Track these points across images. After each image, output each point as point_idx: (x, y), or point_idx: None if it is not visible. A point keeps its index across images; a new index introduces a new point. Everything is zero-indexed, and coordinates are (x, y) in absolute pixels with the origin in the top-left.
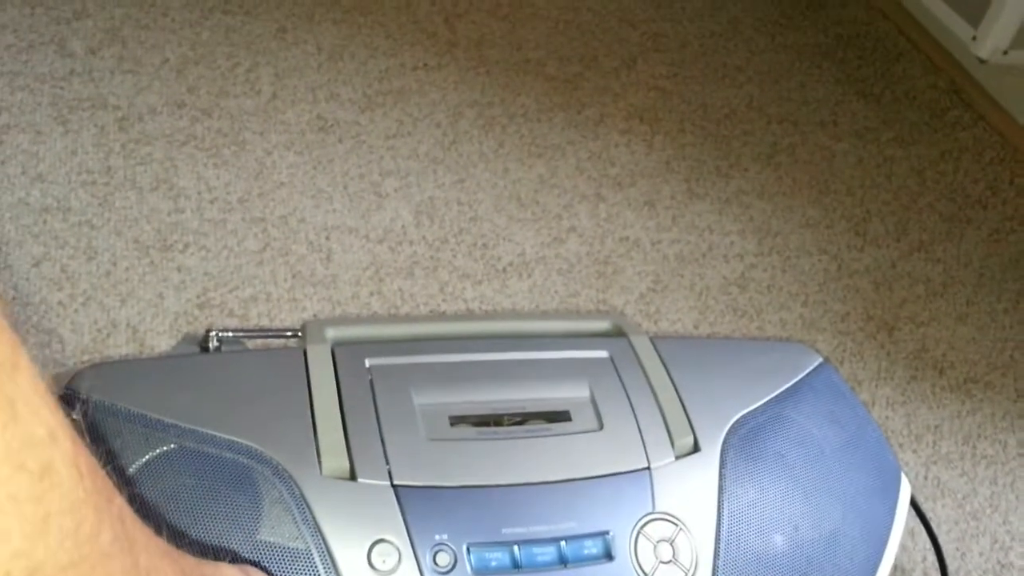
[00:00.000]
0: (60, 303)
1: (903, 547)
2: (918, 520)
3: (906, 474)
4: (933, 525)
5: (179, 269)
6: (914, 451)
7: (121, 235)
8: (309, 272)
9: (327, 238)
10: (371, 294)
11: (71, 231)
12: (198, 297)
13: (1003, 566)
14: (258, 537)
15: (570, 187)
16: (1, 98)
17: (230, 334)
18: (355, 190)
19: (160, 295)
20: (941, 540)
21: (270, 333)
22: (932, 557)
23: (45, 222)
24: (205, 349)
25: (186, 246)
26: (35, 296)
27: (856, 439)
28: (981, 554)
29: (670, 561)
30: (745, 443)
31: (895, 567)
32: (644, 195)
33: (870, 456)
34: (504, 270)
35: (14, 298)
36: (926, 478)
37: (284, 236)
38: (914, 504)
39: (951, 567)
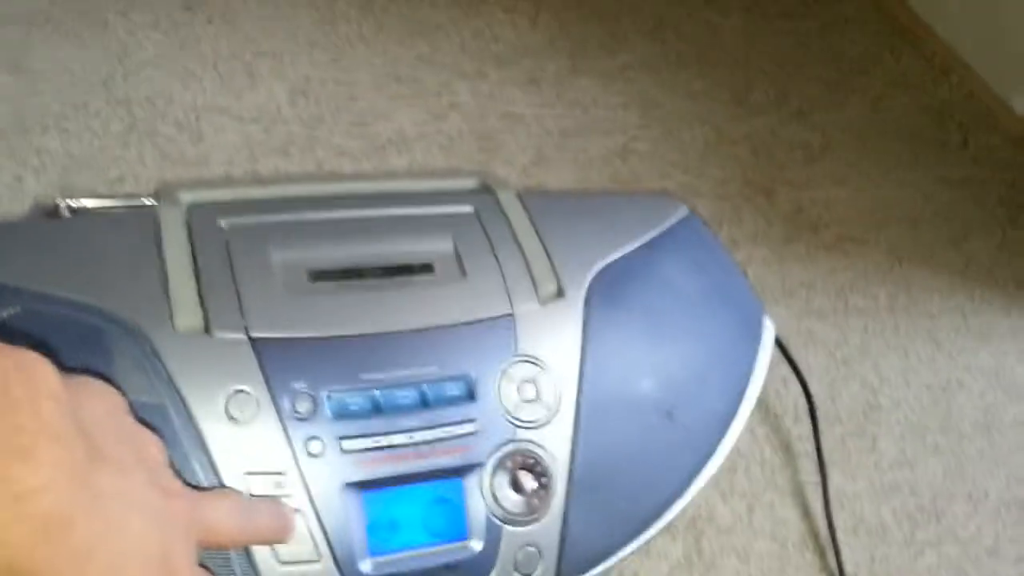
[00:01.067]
0: None
1: (776, 393)
2: (790, 370)
3: (776, 325)
4: (804, 373)
5: (39, 152)
6: (787, 306)
7: None
8: (179, 153)
9: (197, 119)
10: (244, 174)
11: None
12: (60, 179)
13: (871, 407)
14: None
15: (452, 65)
16: None
17: (82, 203)
18: (226, 71)
19: (18, 178)
20: (813, 387)
21: (124, 199)
22: (803, 401)
23: None
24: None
25: (45, 129)
26: None
27: (720, 285)
28: (851, 397)
29: (533, 400)
30: (610, 289)
31: (769, 412)
32: (527, 72)
33: (734, 301)
34: (383, 147)
35: None
36: (798, 331)
37: (151, 117)
38: (784, 351)
39: (823, 410)
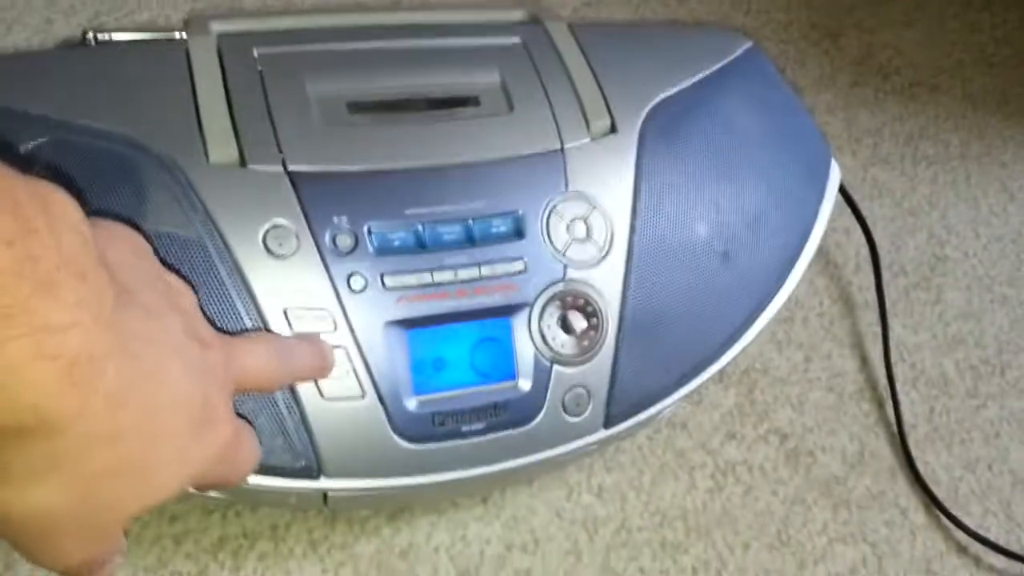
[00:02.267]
0: None
1: (838, 244)
2: (854, 219)
3: (841, 172)
4: (869, 223)
5: None
6: (853, 153)
7: None
8: None
9: None
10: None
11: None
12: (89, 21)
13: (938, 259)
14: (145, 227)
15: None
16: None
17: (109, 36)
18: None
19: (48, 20)
20: (877, 237)
21: (153, 32)
22: (866, 251)
23: None
24: None
25: None
26: None
27: (784, 124)
28: (916, 248)
29: (584, 239)
30: (666, 125)
31: (829, 262)
32: None
33: (799, 141)
34: None
35: None
36: (864, 180)
37: None
38: (849, 200)
39: (885, 260)
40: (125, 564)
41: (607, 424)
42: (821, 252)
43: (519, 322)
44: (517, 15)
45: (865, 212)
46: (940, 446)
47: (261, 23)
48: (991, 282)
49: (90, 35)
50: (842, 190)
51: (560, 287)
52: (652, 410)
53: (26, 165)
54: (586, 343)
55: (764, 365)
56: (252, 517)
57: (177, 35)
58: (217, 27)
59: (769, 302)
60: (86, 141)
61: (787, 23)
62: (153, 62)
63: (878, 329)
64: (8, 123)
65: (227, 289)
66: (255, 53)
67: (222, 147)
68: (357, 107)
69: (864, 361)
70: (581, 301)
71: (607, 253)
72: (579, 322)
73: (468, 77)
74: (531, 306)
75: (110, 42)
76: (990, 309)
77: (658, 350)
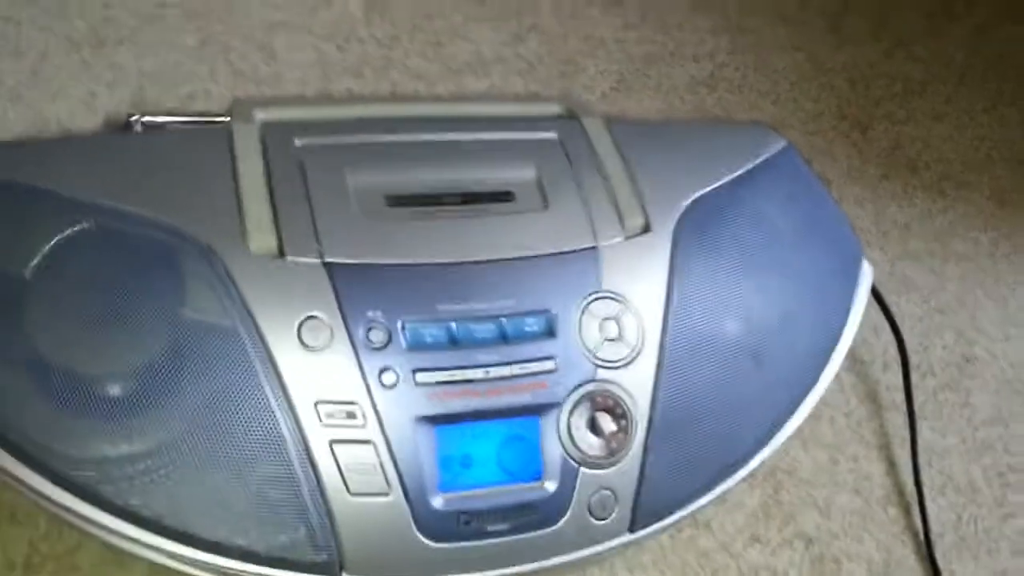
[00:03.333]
0: None
1: (865, 341)
2: (882, 316)
3: (870, 263)
4: (897, 319)
5: (112, 66)
6: (881, 248)
7: (49, 31)
8: (251, 70)
9: (271, 35)
10: (317, 94)
11: None
12: (132, 96)
13: (967, 359)
14: (181, 314)
15: None
16: None
17: (154, 119)
18: None
19: (92, 93)
20: (905, 334)
21: (197, 117)
22: (894, 350)
23: None
24: None
25: (120, 42)
26: None
27: (817, 222)
28: (945, 347)
29: (616, 339)
30: (700, 224)
31: (856, 360)
32: None
33: (832, 240)
34: (460, 70)
35: None
36: (892, 274)
37: (225, 32)
38: (878, 298)
39: (914, 360)
40: None
41: (632, 528)
42: (849, 350)
43: (548, 422)
44: (554, 108)
45: (893, 308)
46: (967, 556)
47: (304, 112)
48: (1020, 385)
49: (136, 119)
50: (873, 289)
51: (591, 387)
52: (679, 514)
53: (72, 247)
54: (614, 445)
55: (790, 465)
56: None
57: (220, 119)
58: (261, 115)
59: (800, 403)
60: (127, 227)
61: (816, 113)
62: (196, 149)
63: (906, 432)
64: (52, 207)
65: (259, 379)
66: (297, 143)
67: (262, 236)
68: (395, 200)
69: (891, 464)
70: (611, 402)
71: (639, 353)
72: (608, 424)
73: (504, 172)
74: (560, 406)
75: (155, 126)
76: (1019, 414)
77: (687, 452)
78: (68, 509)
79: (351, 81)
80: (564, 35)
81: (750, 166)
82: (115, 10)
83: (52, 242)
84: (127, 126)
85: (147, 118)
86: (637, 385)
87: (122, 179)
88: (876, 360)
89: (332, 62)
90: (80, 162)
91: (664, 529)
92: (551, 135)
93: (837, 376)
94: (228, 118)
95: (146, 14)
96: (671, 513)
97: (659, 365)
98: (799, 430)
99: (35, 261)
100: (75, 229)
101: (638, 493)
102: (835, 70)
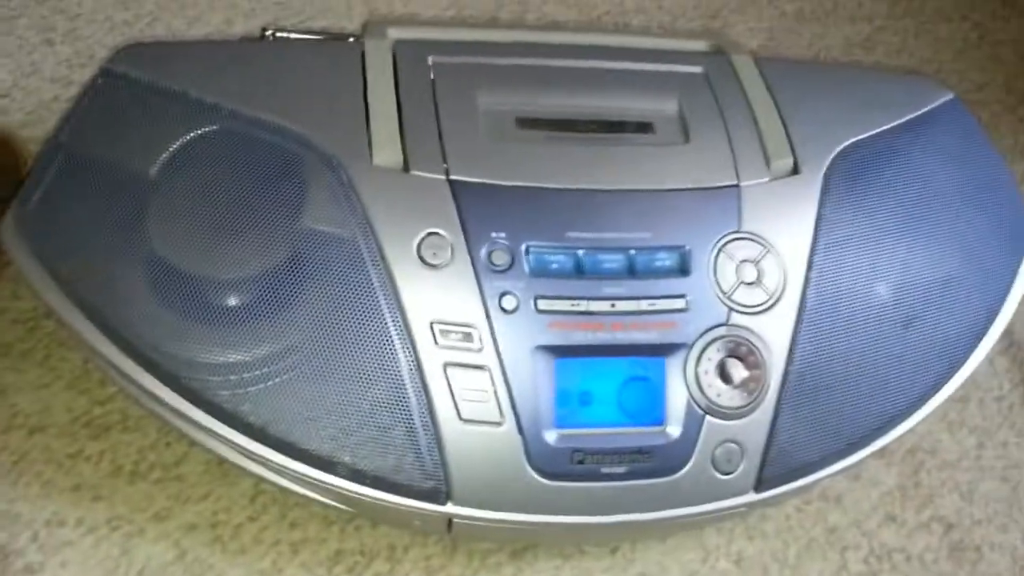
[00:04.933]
0: (125, 22)
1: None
2: None
3: None
4: None
5: None
6: None
7: None
8: (387, 7)
9: None
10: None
11: None
12: (268, 25)
13: None
14: (302, 223)
15: None
16: None
17: (287, 35)
18: None
19: (228, 20)
20: None
21: (330, 35)
22: None
23: None
24: None
25: None
26: (99, 13)
27: (983, 182)
28: None
29: (753, 283)
30: (853, 171)
31: (1013, 342)
32: None
33: (998, 201)
34: (599, 18)
35: (79, 14)
36: None
37: None
38: None
39: None
40: (240, 564)
41: (758, 487)
42: (1006, 330)
43: (674, 364)
44: (701, 45)
45: None
46: None
47: (439, 33)
48: None
49: (269, 32)
50: None
51: (722, 331)
52: (809, 478)
53: (198, 147)
54: (745, 395)
55: (932, 446)
56: (371, 534)
57: (352, 39)
58: (395, 33)
59: (949, 378)
60: (254, 132)
61: (981, 84)
62: (328, 62)
63: None
64: (181, 107)
65: (376, 294)
66: (429, 61)
67: (387, 150)
68: (526, 123)
69: None
70: (744, 349)
71: (777, 302)
72: (739, 372)
73: (644, 103)
74: (689, 348)
75: (288, 39)
76: None
77: (823, 414)
78: (179, 413)
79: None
80: None
81: (911, 116)
82: None
83: (178, 142)
84: (260, 39)
85: (281, 33)
86: (773, 334)
87: (252, 85)
88: None
89: (468, 4)
90: (212, 65)
91: (792, 493)
92: (697, 69)
93: (990, 357)
94: (361, 37)
95: None
96: (801, 476)
97: (799, 317)
98: (944, 410)
99: (161, 160)
100: (202, 130)
101: (767, 450)
102: (1004, 42)
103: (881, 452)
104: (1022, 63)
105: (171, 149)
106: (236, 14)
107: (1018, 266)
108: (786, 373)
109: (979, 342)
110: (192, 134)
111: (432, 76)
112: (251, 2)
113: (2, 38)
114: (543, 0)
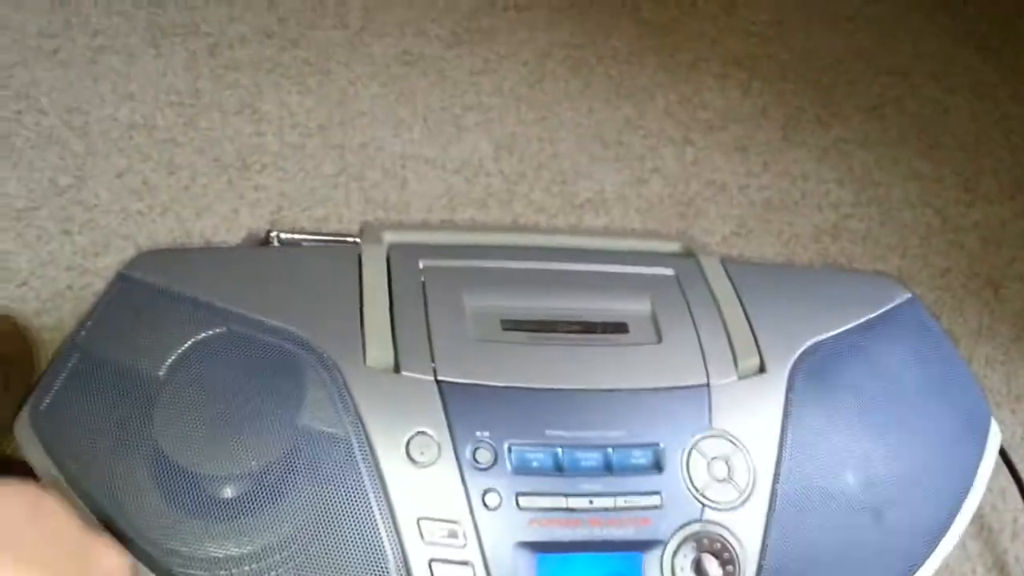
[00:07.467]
0: (139, 212)
1: (992, 507)
2: (1011, 480)
3: (1000, 426)
4: None
5: (255, 188)
6: (1012, 411)
7: (203, 153)
8: (383, 198)
9: (403, 167)
10: (448, 230)
11: (155, 147)
12: (272, 214)
13: None
14: (299, 422)
15: (657, 130)
16: (98, 22)
17: (291, 236)
18: (435, 122)
19: (235, 211)
20: None
21: (330, 236)
22: (1023, 518)
23: (131, 137)
24: None
25: (264, 167)
26: (115, 204)
27: (943, 379)
28: None
29: (725, 479)
30: (817, 370)
31: (983, 527)
32: (735, 140)
33: (958, 398)
34: (581, 206)
35: (96, 205)
36: (1023, 440)
37: (360, 163)
38: (1007, 461)
39: None
40: None
41: None
42: (975, 514)
43: (651, 560)
44: (672, 246)
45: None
46: None
47: (429, 235)
48: None
49: (274, 234)
50: (1002, 452)
51: (696, 528)
52: None
53: (205, 349)
54: None
55: None
56: None
57: (350, 239)
58: (389, 237)
59: (920, 567)
60: (257, 335)
61: (944, 269)
62: (328, 266)
63: None
64: (190, 311)
65: (366, 491)
66: (420, 265)
67: (379, 352)
68: (510, 324)
69: None
70: (718, 545)
71: (748, 498)
72: (714, 568)
73: (620, 304)
74: (664, 544)
75: (291, 242)
76: None
77: None
78: None
79: (475, 211)
80: (686, 179)
81: (872, 316)
82: (262, 138)
83: (187, 344)
84: (265, 241)
85: (284, 235)
86: (746, 530)
87: (257, 290)
88: (1005, 528)
89: (459, 193)
90: (220, 272)
91: None
92: (668, 271)
93: (962, 542)
94: (358, 239)
95: (290, 143)
96: None
97: (770, 512)
98: None
99: (170, 360)
100: (210, 333)
101: None
102: (966, 227)
103: None
104: (985, 247)
105: (180, 351)
106: (242, 204)
107: (980, 455)
108: (760, 568)
109: (948, 530)
110: (201, 335)
111: (423, 279)
112: (256, 192)
113: (24, 228)
114: (530, 188)
